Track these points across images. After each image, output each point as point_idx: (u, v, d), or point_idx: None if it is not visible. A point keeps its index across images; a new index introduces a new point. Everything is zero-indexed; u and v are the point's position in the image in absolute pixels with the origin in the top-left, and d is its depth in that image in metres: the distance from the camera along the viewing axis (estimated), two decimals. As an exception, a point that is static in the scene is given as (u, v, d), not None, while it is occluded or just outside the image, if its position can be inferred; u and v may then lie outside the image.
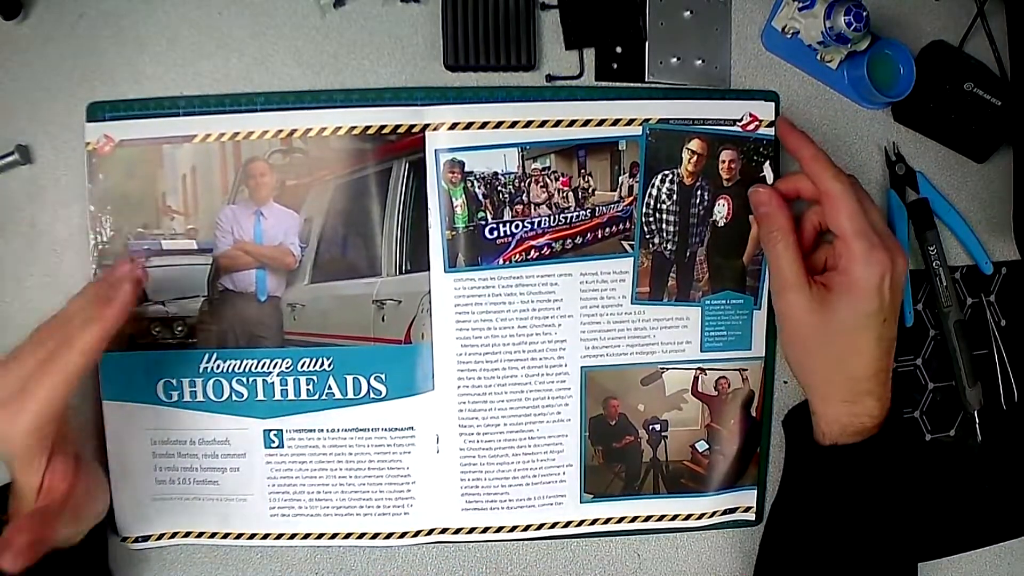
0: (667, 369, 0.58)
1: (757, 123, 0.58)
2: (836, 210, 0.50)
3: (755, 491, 0.61)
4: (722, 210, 0.57)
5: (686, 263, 0.57)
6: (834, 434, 0.53)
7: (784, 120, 0.56)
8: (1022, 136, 0.62)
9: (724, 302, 0.58)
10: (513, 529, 0.58)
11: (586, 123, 0.56)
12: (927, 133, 0.63)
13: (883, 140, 0.62)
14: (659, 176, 0.56)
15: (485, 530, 0.58)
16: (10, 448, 0.43)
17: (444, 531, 0.58)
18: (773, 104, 0.58)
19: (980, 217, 0.65)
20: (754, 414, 0.60)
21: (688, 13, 0.58)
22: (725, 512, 0.61)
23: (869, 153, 0.62)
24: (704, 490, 0.60)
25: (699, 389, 0.59)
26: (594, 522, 0.59)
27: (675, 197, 0.57)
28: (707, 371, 0.59)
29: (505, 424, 0.57)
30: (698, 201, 0.57)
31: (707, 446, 0.59)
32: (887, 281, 0.50)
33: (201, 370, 0.55)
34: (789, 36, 0.59)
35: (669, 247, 0.57)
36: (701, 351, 0.58)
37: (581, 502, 0.59)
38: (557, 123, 0.55)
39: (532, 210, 0.55)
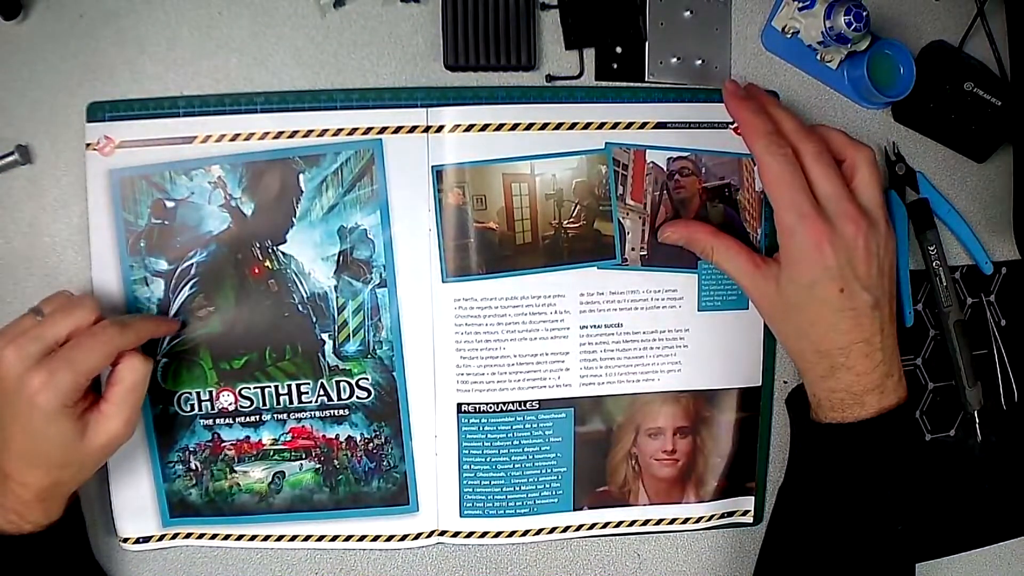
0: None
1: None
2: (765, 184, 0.51)
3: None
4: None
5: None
6: (821, 411, 0.53)
7: (729, 87, 0.55)
8: (1022, 136, 0.62)
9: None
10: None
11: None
12: (927, 133, 0.63)
13: (883, 140, 0.62)
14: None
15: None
16: None
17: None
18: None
19: (980, 217, 0.65)
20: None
21: (688, 13, 0.58)
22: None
23: (869, 153, 0.62)
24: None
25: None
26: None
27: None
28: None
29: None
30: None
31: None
32: (827, 249, 0.49)
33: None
34: (789, 36, 0.59)
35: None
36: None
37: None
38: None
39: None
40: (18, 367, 0.44)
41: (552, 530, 0.59)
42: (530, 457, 0.58)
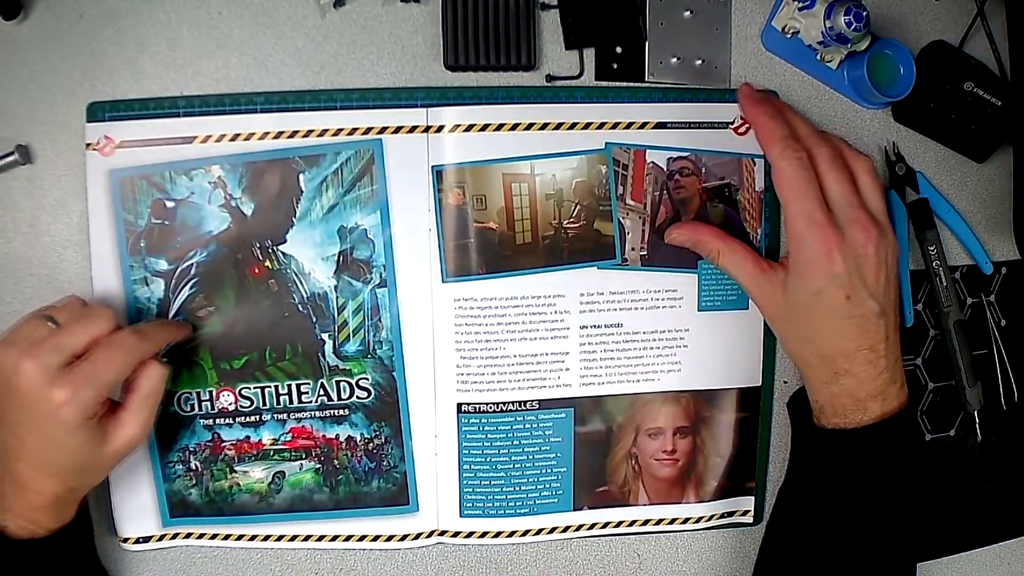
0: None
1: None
2: (778, 188, 0.51)
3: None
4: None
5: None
6: (823, 416, 0.53)
7: (745, 90, 0.56)
8: (1022, 136, 0.62)
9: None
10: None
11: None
12: (927, 133, 0.63)
13: (883, 140, 0.62)
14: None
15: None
16: None
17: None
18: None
19: (980, 217, 0.65)
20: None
21: (688, 13, 0.58)
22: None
23: (869, 153, 0.62)
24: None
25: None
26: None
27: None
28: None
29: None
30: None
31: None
32: (836, 257, 0.49)
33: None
34: (789, 36, 0.59)
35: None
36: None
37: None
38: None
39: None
40: (39, 380, 0.43)
41: (552, 530, 0.59)
42: (530, 457, 0.58)
